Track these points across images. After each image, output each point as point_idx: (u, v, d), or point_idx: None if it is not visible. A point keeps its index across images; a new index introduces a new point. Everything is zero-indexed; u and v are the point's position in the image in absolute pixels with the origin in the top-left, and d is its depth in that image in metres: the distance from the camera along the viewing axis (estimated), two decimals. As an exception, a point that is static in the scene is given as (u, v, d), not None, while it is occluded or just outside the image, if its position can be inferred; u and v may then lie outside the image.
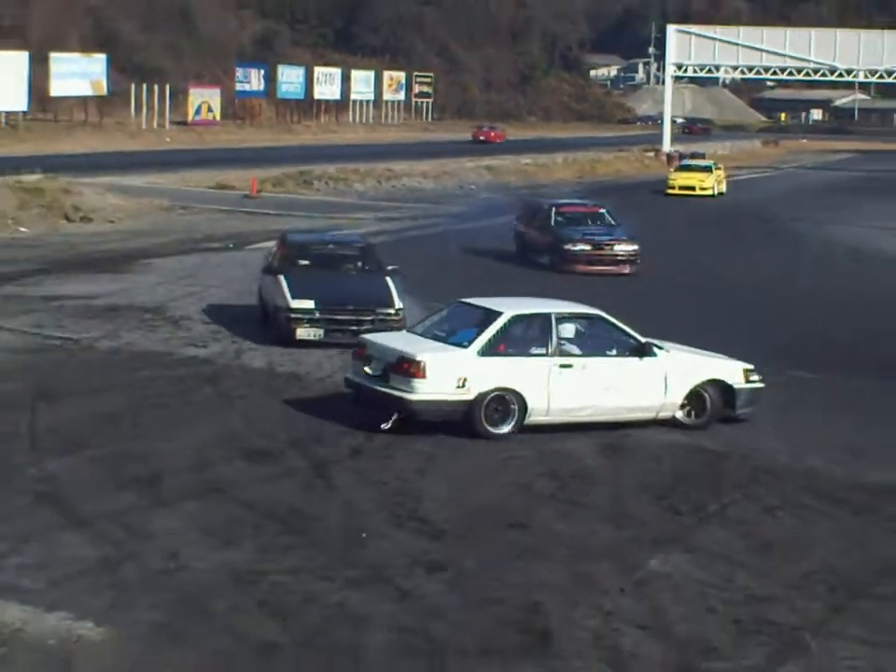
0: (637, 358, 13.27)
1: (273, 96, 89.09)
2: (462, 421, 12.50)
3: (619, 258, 27.16)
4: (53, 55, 68.81)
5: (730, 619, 7.53)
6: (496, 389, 12.58)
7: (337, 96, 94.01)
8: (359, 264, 18.43)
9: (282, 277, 16.89)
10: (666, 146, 74.08)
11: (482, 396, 12.37)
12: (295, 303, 15.99)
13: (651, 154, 74.23)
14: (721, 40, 71.41)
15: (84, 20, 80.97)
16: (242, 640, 6.57)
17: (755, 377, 14.02)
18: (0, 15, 75.77)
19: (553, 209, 29.80)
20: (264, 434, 12.75)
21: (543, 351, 13.05)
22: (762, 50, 70.34)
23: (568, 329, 13.46)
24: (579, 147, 78.61)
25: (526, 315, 13.73)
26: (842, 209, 50.05)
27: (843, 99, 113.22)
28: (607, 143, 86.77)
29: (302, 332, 15.89)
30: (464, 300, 14.42)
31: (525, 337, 13.31)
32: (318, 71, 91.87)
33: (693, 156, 64.49)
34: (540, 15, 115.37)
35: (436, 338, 13.33)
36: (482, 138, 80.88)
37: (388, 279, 17.54)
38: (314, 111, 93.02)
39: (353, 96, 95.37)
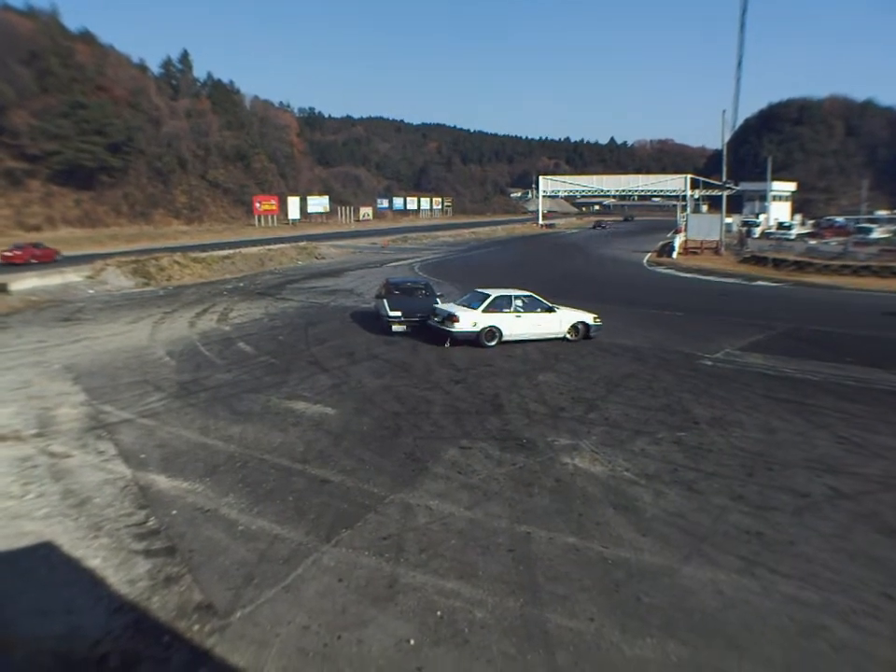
0: (547, 313, 24.89)
1: (391, 209, 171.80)
2: (475, 340, 23.89)
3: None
4: (310, 198, 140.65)
5: (569, 398, 17.70)
6: (488, 327, 24.02)
7: (415, 207, 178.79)
8: (423, 292, 28.46)
9: (384, 300, 26.68)
10: (539, 220, 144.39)
11: (483, 329, 23.92)
12: (392, 313, 25.49)
13: (536, 224, 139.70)
14: (559, 180, 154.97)
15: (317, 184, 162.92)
16: (386, 411, 16.50)
17: (598, 320, 25.37)
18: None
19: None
20: (394, 335, 25.11)
21: (509, 310, 24.50)
22: (576, 184, 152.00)
23: (519, 300, 24.89)
24: (505, 223, 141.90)
25: (501, 294, 24.86)
26: (610, 244, 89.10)
27: (608, 201, 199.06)
28: (517, 221, 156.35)
29: (396, 328, 25.52)
30: (477, 289, 26.57)
31: (500, 304, 24.54)
32: (409, 198, 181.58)
33: (551, 225, 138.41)
34: (491, 173, 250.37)
35: (463, 305, 25.04)
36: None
37: (438, 299, 27.33)
38: (408, 214, 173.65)
39: (423, 207, 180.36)
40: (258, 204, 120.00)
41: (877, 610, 8.43)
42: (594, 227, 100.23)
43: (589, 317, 25.40)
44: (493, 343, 24.00)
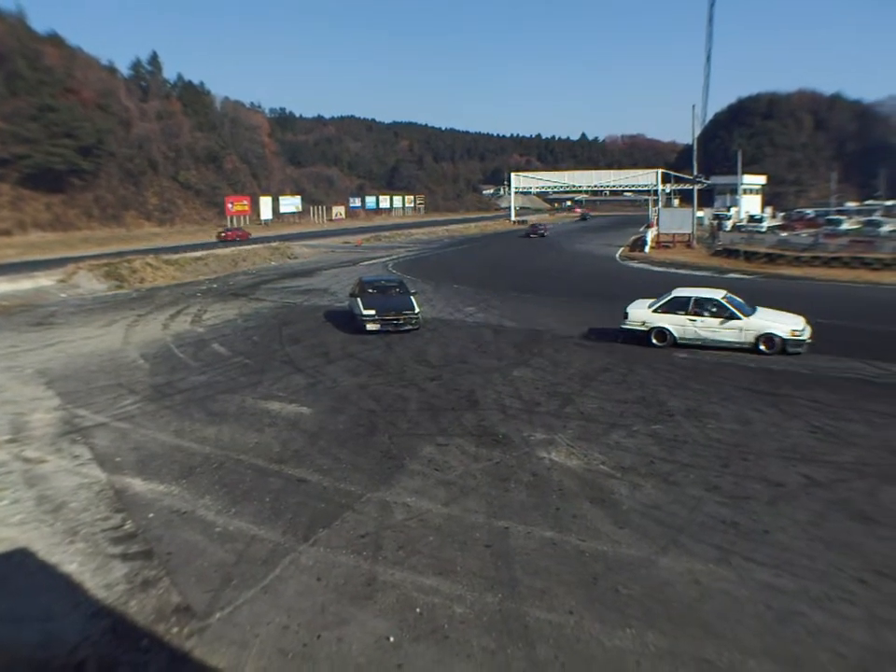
0: (728, 320, 22.33)
1: (364, 208, 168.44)
2: (644, 340, 23.14)
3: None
4: (282, 198, 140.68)
5: (545, 392, 17.72)
6: (658, 327, 23.08)
7: (388, 206, 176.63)
8: (397, 290, 28.05)
9: (358, 299, 26.24)
10: (512, 217, 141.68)
11: (652, 329, 23.17)
12: (366, 311, 25.25)
13: (508, 221, 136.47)
14: (531, 177, 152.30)
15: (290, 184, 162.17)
16: (361, 409, 16.53)
17: (798, 332, 21.90)
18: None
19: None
20: (367, 334, 24.82)
21: (684, 312, 22.88)
22: (547, 180, 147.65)
23: (702, 303, 22.87)
24: (478, 220, 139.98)
25: (680, 295, 23.45)
26: (583, 239, 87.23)
27: (579, 197, 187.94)
28: (490, 218, 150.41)
29: (370, 326, 25.19)
30: (678, 288, 24.57)
31: (676, 304, 23.15)
32: (382, 197, 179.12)
33: (523, 221, 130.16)
34: (463, 171, 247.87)
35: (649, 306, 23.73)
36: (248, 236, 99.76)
37: (412, 297, 26.96)
38: (381, 213, 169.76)
39: (395, 206, 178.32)
40: (230, 205, 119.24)
41: (852, 595, 8.51)
42: (527, 235, 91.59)
43: (784, 328, 22.16)
44: (662, 345, 22.99)
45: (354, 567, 9.27)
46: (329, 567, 9.29)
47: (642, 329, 23.17)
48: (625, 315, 23.46)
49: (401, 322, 25.58)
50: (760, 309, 23.01)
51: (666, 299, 23.24)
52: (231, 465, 13.06)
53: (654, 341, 22.96)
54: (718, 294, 23.25)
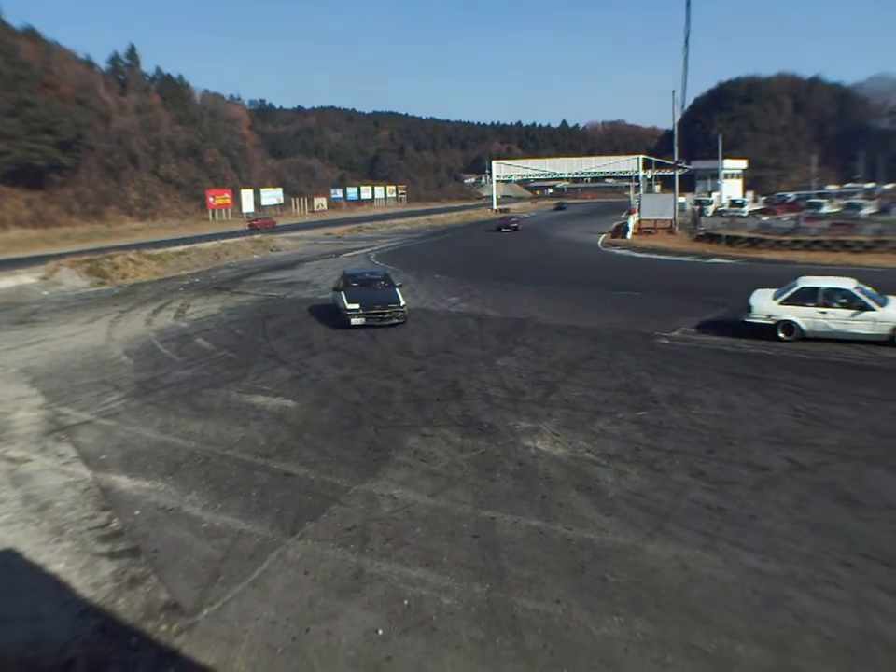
0: (861, 311, 20.72)
1: (346, 199, 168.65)
2: (770, 332, 21.80)
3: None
4: (263, 190, 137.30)
5: (529, 381, 17.75)
6: (784, 320, 21.63)
7: (370, 196, 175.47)
8: (382, 283, 27.50)
9: (342, 293, 25.78)
10: (494, 206, 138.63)
11: (778, 322, 21.70)
12: (350, 305, 24.73)
13: (490, 210, 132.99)
14: (512, 165, 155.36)
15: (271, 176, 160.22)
16: (346, 401, 16.49)
17: None
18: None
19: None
20: (351, 328, 24.64)
21: (813, 304, 21.34)
22: (529, 168, 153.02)
23: (832, 294, 21.32)
24: (460, 209, 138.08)
25: (807, 286, 21.91)
26: (565, 226, 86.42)
27: (561, 184, 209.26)
28: (472, 207, 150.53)
29: (355, 321, 24.64)
30: (802, 277, 22.82)
31: (803, 296, 21.66)
32: (363, 187, 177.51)
33: (506, 210, 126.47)
34: (444, 160, 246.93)
35: (774, 297, 22.38)
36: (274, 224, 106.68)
37: (397, 290, 26.52)
38: (363, 203, 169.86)
39: (377, 196, 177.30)
40: (211, 199, 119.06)
41: (838, 578, 8.56)
42: (497, 228, 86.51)
43: None
44: (790, 338, 21.64)
45: (341, 560, 9.27)
46: (317, 561, 9.29)
47: (768, 321, 21.95)
48: (749, 308, 22.28)
49: (387, 315, 25.04)
50: (892, 298, 21.58)
51: (793, 289, 22.09)
52: (216, 460, 13.03)
53: (781, 334, 21.72)
54: (849, 283, 21.82)
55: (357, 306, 24.87)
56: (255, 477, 12.16)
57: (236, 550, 9.65)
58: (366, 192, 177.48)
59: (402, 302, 25.58)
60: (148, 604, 8.49)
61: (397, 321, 25.19)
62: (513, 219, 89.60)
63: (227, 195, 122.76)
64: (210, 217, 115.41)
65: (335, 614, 8.15)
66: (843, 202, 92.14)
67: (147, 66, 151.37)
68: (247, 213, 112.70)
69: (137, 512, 10.92)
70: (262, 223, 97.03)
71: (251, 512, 10.78)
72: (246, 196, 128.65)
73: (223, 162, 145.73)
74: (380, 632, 7.79)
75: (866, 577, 8.64)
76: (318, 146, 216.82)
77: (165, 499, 11.39)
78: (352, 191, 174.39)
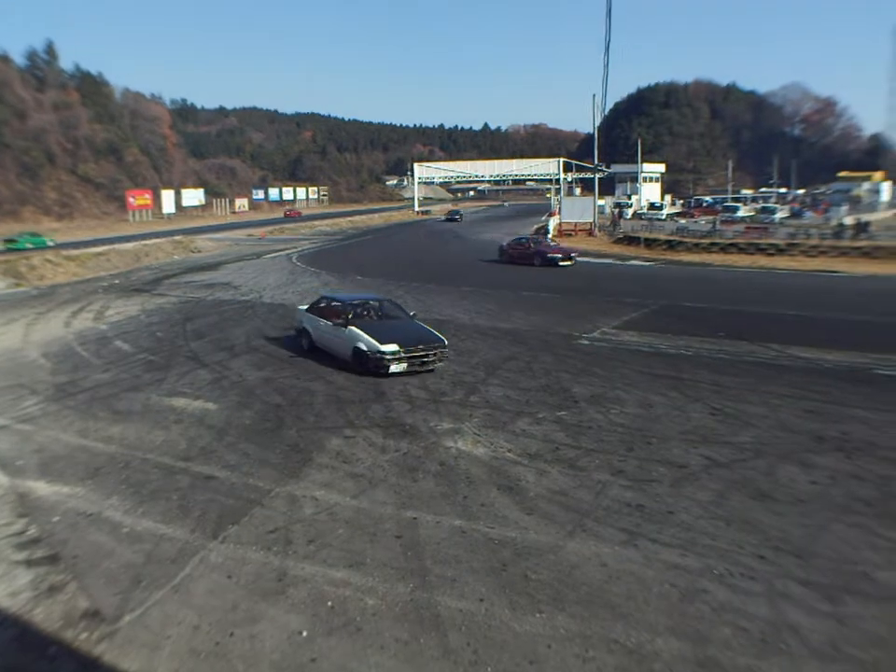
0: None
1: (267, 200, 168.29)
2: None
3: None
4: (184, 190, 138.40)
5: (450, 382, 17.83)
6: None
7: (291, 197, 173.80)
8: (397, 314, 21.61)
9: (356, 329, 19.35)
10: (416, 207, 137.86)
11: None
12: (384, 347, 18.37)
13: (412, 211, 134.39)
14: (434, 167, 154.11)
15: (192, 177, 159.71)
16: (268, 403, 16.39)
17: None
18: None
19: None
20: (273, 327, 25.10)
21: None
22: (450, 170, 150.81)
23: None
24: (382, 211, 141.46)
25: None
26: (486, 228, 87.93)
27: (482, 186, 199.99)
28: (394, 209, 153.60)
29: (394, 367, 18.40)
30: None
31: None
32: (285, 188, 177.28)
33: (427, 211, 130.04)
34: (366, 161, 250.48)
35: None
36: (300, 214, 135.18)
37: (422, 323, 21.05)
38: (284, 204, 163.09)
39: (299, 197, 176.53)
40: (131, 199, 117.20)
41: (752, 571, 8.77)
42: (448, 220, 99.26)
43: None
44: None
45: (264, 563, 9.21)
46: (240, 564, 9.21)
47: None
48: None
49: (430, 359, 19.20)
50: None
51: None
52: (137, 464, 12.83)
53: None
54: None
55: (394, 348, 18.67)
56: (176, 480, 12.01)
57: (158, 554, 9.53)
58: (287, 193, 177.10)
59: (445, 340, 19.90)
60: (68, 612, 8.32)
61: (438, 364, 19.54)
62: (457, 213, 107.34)
63: (147, 196, 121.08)
64: (130, 217, 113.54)
65: (259, 617, 8.10)
66: (757, 206, 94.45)
67: (66, 63, 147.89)
68: (288, 209, 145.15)
69: (56, 519, 10.71)
70: (294, 213, 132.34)
71: (172, 516, 10.64)
72: (167, 197, 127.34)
73: (143, 162, 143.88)
74: (304, 634, 7.76)
75: (778, 568, 8.86)
76: (240, 146, 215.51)
77: (85, 505, 11.18)
78: (273, 192, 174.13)
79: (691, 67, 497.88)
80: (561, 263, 46.08)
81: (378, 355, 18.52)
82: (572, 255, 47.22)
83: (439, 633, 7.71)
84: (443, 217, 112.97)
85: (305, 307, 23.10)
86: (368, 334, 19.16)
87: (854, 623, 7.76)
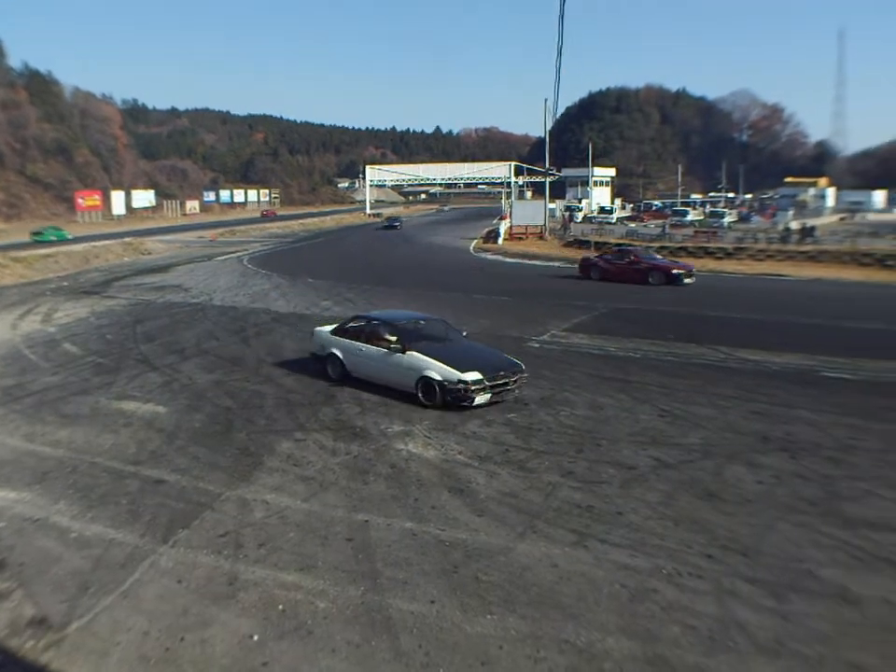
0: None
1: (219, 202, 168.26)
2: None
3: None
4: (134, 192, 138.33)
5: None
6: None
7: (243, 200, 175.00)
8: (454, 335, 18.62)
9: (421, 355, 16.60)
10: (368, 210, 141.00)
11: None
12: (466, 376, 15.74)
13: (364, 214, 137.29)
14: (386, 170, 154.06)
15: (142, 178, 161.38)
16: (218, 406, 16.35)
17: None
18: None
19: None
20: (224, 330, 24.91)
21: None
22: (402, 173, 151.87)
23: None
24: (334, 213, 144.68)
25: None
26: (437, 231, 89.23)
27: (434, 189, 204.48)
28: (345, 211, 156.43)
29: (480, 399, 15.80)
30: None
31: None
32: (236, 190, 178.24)
33: (378, 214, 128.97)
34: (318, 164, 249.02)
35: None
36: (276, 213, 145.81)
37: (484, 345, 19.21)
38: (236, 207, 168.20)
39: (250, 199, 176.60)
40: (80, 200, 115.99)
41: (701, 570, 8.88)
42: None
43: None
44: None
45: (215, 567, 9.16)
46: (190, 569, 9.16)
47: None
48: None
49: (511, 387, 16.65)
50: None
51: None
52: (85, 468, 12.69)
53: None
54: None
55: (478, 376, 15.97)
56: (125, 485, 11.89)
57: (107, 560, 9.44)
58: (239, 196, 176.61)
59: (522, 364, 17.42)
60: (13, 620, 8.20)
61: (516, 393, 16.94)
62: (397, 221, 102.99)
63: (97, 197, 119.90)
64: (79, 218, 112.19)
65: (209, 622, 8.05)
66: (706, 210, 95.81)
67: (14, 61, 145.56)
68: (264, 209, 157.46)
69: (2, 524, 10.55)
70: (270, 213, 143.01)
71: (122, 521, 10.54)
72: (117, 198, 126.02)
73: (93, 163, 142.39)
74: (255, 638, 7.73)
75: (726, 567, 8.98)
76: (192, 147, 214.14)
77: (32, 510, 11.03)
78: (225, 194, 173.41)
79: (642, 73, 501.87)
80: (686, 281, 37.85)
81: (460, 385, 15.77)
82: (692, 270, 39.26)
83: (390, 635, 7.72)
84: (381, 224, 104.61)
85: (328, 328, 19.59)
86: (440, 361, 16.38)
87: (799, 619, 7.88)
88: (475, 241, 71.50)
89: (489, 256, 57.66)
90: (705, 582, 8.65)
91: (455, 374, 15.84)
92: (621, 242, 57.69)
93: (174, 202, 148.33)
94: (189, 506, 10.99)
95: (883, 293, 36.53)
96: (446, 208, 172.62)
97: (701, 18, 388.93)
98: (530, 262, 51.43)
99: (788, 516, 10.49)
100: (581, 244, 60.37)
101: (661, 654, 7.33)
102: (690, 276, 38.10)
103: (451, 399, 15.85)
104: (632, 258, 39.94)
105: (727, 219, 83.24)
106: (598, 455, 13.03)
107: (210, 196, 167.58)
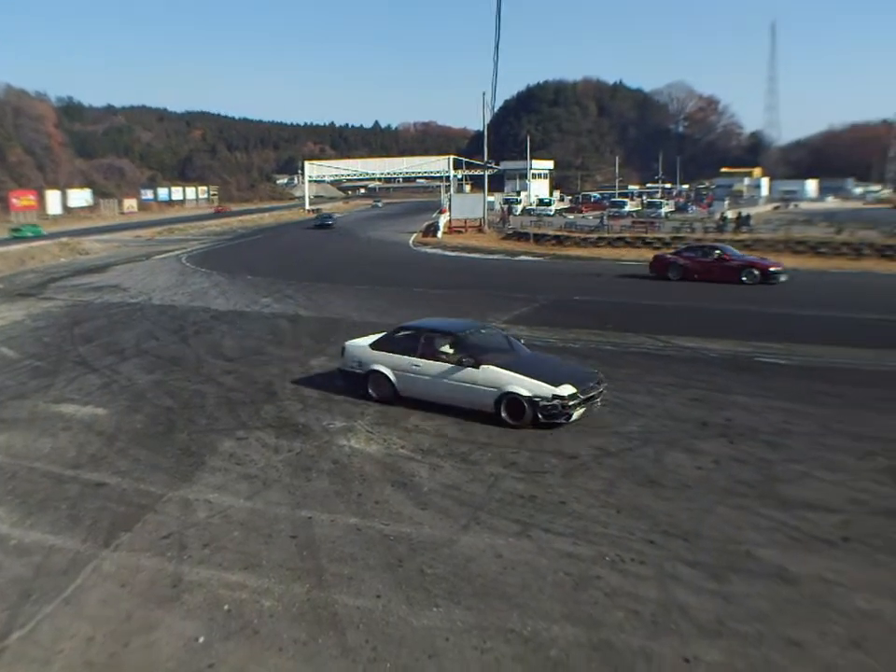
0: None
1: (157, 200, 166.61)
2: None
3: None
4: (70, 191, 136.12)
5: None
6: None
7: (181, 197, 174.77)
8: (517, 345, 16.66)
9: (500, 369, 14.57)
10: (307, 206, 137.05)
11: None
12: (560, 391, 13.92)
13: (303, 210, 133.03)
14: (325, 165, 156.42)
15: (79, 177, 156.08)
16: (159, 407, 16.20)
17: None
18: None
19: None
20: (163, 329, 24.72)
21: None
22: (341, 168, 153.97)
23: None
24: (273, 210, 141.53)
25: None
26: (376, 226, 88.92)
27: (373, 184, 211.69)
28: (284, 207, 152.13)
29: (576, 414, 14.11)
30: None
31: None
32: (174, 188, 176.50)
33: (317, 210, 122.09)
34: (257, 160, 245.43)
35: None
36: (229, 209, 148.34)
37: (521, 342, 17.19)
38: (174, 205, 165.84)
39: (188, 197, 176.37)
40: (14, 200, 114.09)
41: (643, 556, 9.02)
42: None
43: None
44: None
45: (158, 570, 9.10)
46: (133, 572, 9.08)
47: None
48: None
49: (597, 399, 14.88)
50: None
51: None
52: (24, 473, 12.49)
53: None
54: None
55: (572, 390, 14.14)
56: (65, 489, 11.74)
57: (48, 566, 9.32)
58: (177, 193, 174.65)
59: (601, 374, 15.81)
60: (-48, 631, 8.09)
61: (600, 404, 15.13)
62: (330, 218, 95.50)
63: (32, 197, 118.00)
64: (13, 219, 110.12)
65: (154, 626, 7.99)
66: (644, 201, 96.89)
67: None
68: (217, 205, 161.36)
69: (-63, 534, 10.40)
70: (223, 209, 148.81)
71: (62, 526, 10.41)
72: (53, 197, 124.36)
73: (27, 162, 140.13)
74: (201, 640, 7.69)
75: (667, 552, 9.13)
76: (129, 145, 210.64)
77: (-31, 518, 10.88)
78: (163, 192, 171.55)
79: (579, 66, 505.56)
80: (782, 279, 35.16)
81: (556, 401, 13.90)
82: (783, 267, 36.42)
83: (337, 632, 7.73)
84: (313, 223, 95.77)
85: (365, 342, 17.04)
86: (523, 374, 14.49)
87: (739, 600, 8.06)
88: (415, 235, 71.51)
89: (428, 249, 57.71)
90: (647, 568, 8.78)
91: (548, 389, 14.00)
92: (559, 234, 58.18)
93: (111, 200, 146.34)
94: (131, 508, 10.88)
95: (817, 280, 37.09)
96: (380, 204, 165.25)
97: (638, 11, 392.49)
98: (470, 255, 51.58)
99: (727, 500, 10.69)
100: (519, 236, 60.74)
101: (606, 639, 7.44)
102: (785, 274, 35.72)
103: (543, 417, 14.00)
104: (722, 254, 36.97)
105: (664, 210, 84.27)
106: (540, 446, 13.14)
107: (148, 194, 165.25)
